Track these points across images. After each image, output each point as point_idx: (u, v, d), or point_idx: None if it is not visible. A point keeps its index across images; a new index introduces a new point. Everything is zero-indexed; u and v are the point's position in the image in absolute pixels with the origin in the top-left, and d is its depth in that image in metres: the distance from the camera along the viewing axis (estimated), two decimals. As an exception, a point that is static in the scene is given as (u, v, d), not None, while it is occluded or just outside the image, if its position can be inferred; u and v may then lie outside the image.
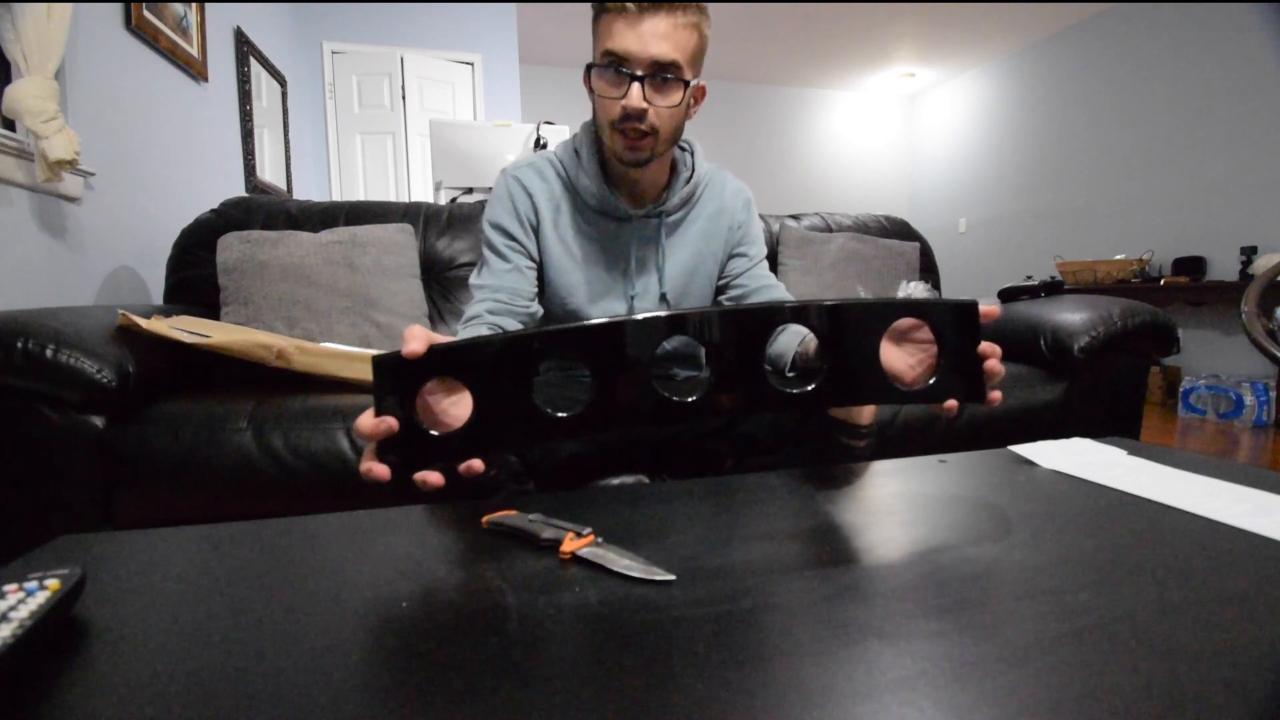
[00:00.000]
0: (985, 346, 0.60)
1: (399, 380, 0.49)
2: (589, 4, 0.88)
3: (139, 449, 1.09)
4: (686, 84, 0.85)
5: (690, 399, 0.54)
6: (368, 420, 0.49)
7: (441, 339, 0.51)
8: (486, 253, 0.97)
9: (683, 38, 0.83)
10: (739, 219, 1.04)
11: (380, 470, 0.49)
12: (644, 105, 0.83)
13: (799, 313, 0.57)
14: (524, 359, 0.50)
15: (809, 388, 0.57)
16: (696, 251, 1.01)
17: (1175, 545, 0.52)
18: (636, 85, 0.82)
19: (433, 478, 0.51)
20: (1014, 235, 5.16)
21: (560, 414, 0.52)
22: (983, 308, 0.60)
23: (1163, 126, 3.99)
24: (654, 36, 0.81)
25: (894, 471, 0.75)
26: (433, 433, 0.51)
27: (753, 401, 0.55)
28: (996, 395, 0.61)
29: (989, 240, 5.42)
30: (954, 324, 0.59)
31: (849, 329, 0.56)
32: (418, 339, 0.48)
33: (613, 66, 0.83)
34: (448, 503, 0.67)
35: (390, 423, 0.48)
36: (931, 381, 0.60)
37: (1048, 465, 0.74)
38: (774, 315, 0.57)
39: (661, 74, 0.83)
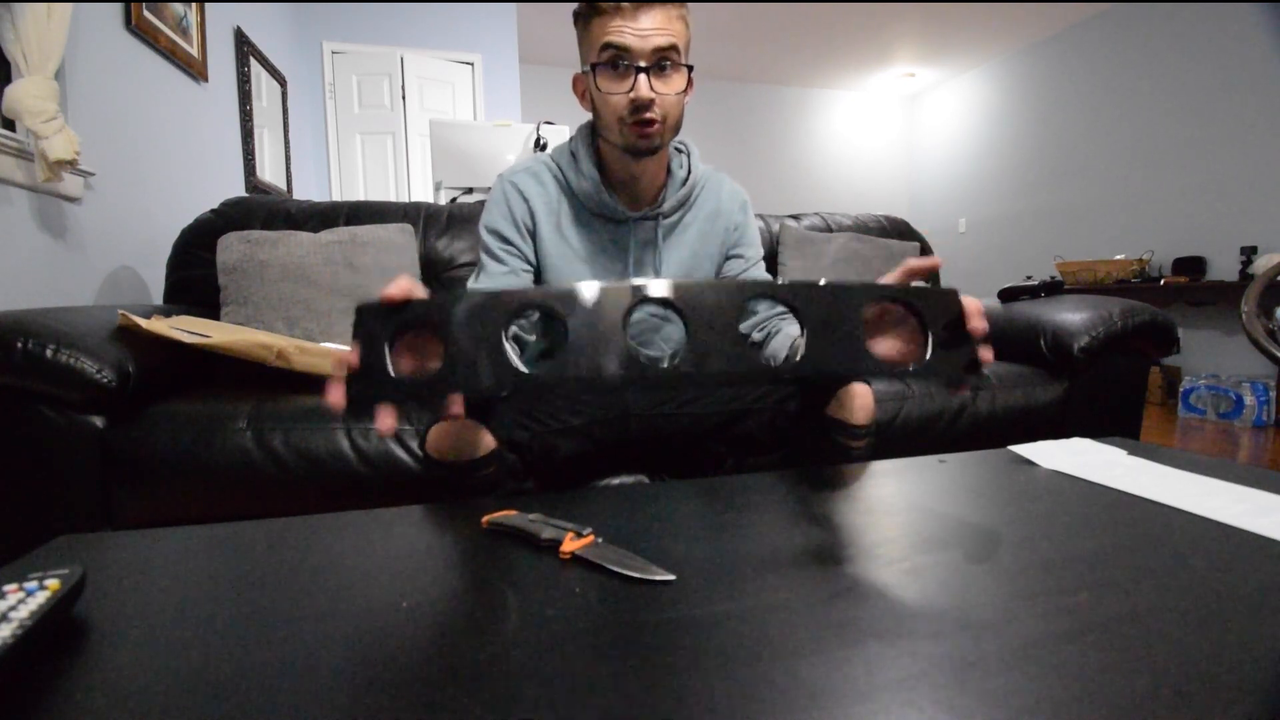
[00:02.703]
0: (975, 324, 0.58)
1: (375, 323, 0.50)
2: (575, 5, 0.89)
3: (139, 449, 1.09)
4: (687, 68, 0.88)
5: (664, 365, 0.53)
6: (341, 352, 0.50)
7: (424, 292, 0.51)
8: (483, 257, 0.97)
9: (677, 27, 0.87)
10: (735, 220, 1.04)
11: (334, 396, 0.49)
12: (652, 95, 0.85)
13: (774, 288, 0.57)
14: (498, 316, 0.51)
15: (792, 358, 0.55)
16: (693, 253, 1.01)
17: (1175, 545, 0.52)
18: (643, 76, 0.85)
19: (384, 421, 0.50)
20: (1014, 235, 5.16)
21: (525, 370, 0.51)
22: (966, 298, 0.58)
23: (1163, 126, 3.99)
24: (652, 29, 0.84)
25: (894, 471, 0.75)
26: (393, 375, 0.50)
27: (730, 370, 0.54)
28: (988, 356, 0.59)
29: (989, 240, 5.42)
30: (939, 313, 0.58)
31: (828, 306, 0.55)
32: (399, 287, 0.49)
33: (616, 62, 0.85)
34: (448, 503, 0.67)
35: (352, 358, 0.49)
36: (925, 357, 0.58)
37: (1048, 465, 0.74)
38: (749, 289, 0.56)
39: (663, 62, 0.86)
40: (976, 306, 0.58)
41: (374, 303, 0.50)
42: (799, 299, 0.55)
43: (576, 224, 0.97)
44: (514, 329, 0.88)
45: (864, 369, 0.57)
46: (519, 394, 0.57)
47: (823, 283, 0.55)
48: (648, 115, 0.86)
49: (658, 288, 0.53)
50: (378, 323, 0.50)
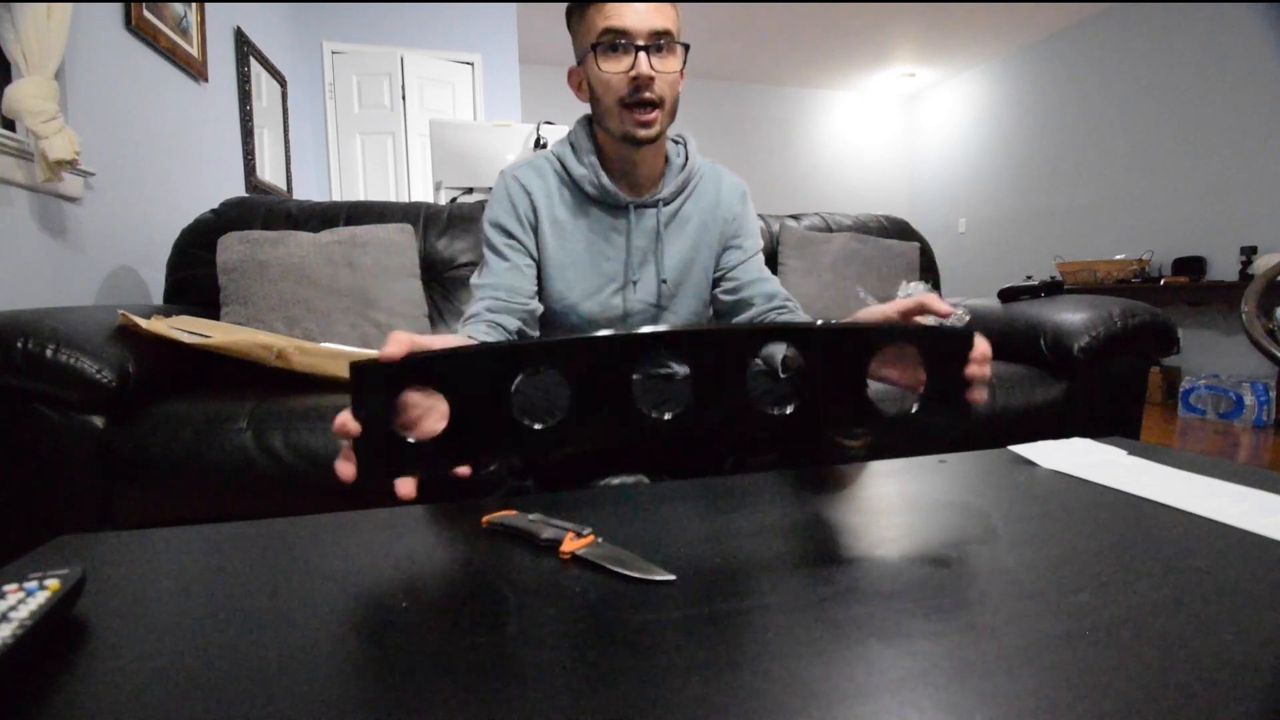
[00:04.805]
0: (973, 370, 0.56)
1: (375, 384, 0.48)
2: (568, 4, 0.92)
3: (139, 449, 1.09)
4: (684, 48, 0.91)
5: (669, 416, 0.52)
6: (341, 418, 0.48)
7: (426, 341, 0.50)
8: (486, 252, 0.98)
9: (669, 11, 0.90)
10: (734, 211, 1.05)
11: (345, 471, 0.48)
12: (653, 72, 0.87)
13: (784, 334, 0.56)
14: (502, 370, 0.49)
15: (789, 410, 0.54)
16: (694, 244, 1.02)
17: (1175, 545, 0.52)
18: (643, 55, 0.87)
19: (404, 488, 0.49)
20: (1014, 235, 5.16)
21: (536, 426, 0.50)
22: (979, 338, 0.57)
23: (1163, 126, 3.99)
24: (648, 11, 0.87)
25: (894, 471, 0.75)
26: (408, 440, 0.49)
27: (734, 420, 0.53)
28: (980, 397, 0.58)
29: (989, 240, 5.42)
30: (947, 351, 0.56)
31: (836, 354, 0.54)
32: (398, 344, 0.48)
33: (616, 43, 0.87)
34: (448, 503, 0.67)
35: (354, 426, 0.47)
36: (914, 409, 0.57)
37: (1048, 465, 0.74)
38: (758, 336, 0.55)
39: (661, 41, 0.88)
40: (985, 352, 0.57)
41: (370, 362, 0.47)
42: (810, 344, 0.54)
43: (576, 214, 0.98)
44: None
45: (866, 421, 0.56)
46: (524, 451, 0.56)
47: (834, 325, 0.54)
48: (647, 95, 0.88)
49: (661, 341, 0.51)
50: (375, 384, 0.48)
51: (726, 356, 0.52)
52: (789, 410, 0.55)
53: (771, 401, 0.90)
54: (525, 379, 0.50)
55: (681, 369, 1.08)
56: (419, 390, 0.55)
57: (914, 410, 0.57)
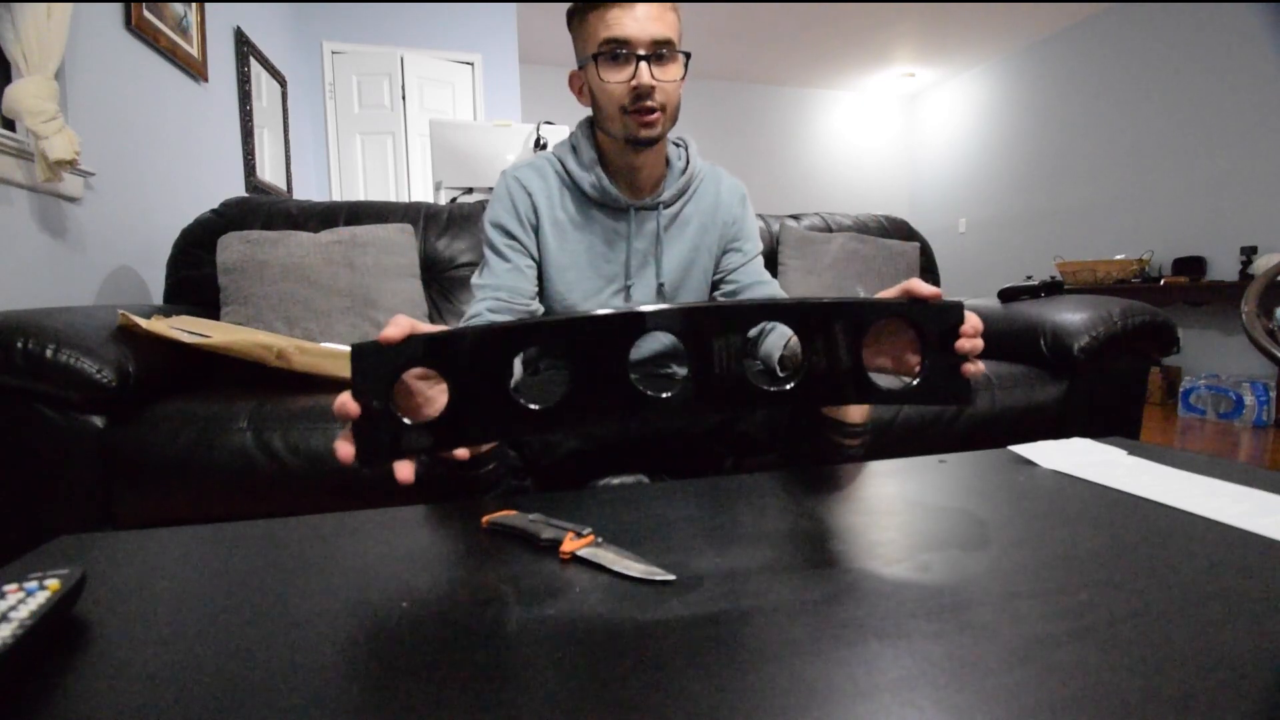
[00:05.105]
0: (963, 343, 0.57)
1: (375, 366, 0.48)
2: (569, 5, 0.91)
3: (139, 449, 1.09)
4: (684, 56, 0.91)
5: (667, 395, 0.53)
6: (342, 399, 0.48)
7: (427, 329, 0.50)
8: (487, 253, 0.98)
9: (670, 18, 0.89)
10: (734, 213, 1.05)
11: (344, 452, 0.48)
12: (653, 82, 0.87)
13: (778, 310, 0.57)
14: (501, 350, 0.50)
15: (788, 385, 0.56)
16: (693, 246, 1.02)
17: (1175, 545, 0.52)
18: (644, 64, 0.87)
19: (403, 471, 0.50)
20: (1014, 235, 5.16)
21: (535, 406, 0.51)
22: (969, 313, 0.58)
23: (1163, 126, 3.99)
24: (649, 19, 0.87)
25: (894, 472, 0.75)
26: (405, 421, 0.49)
27: (732, 398, 0.54)
28: (976, 369, 0.59)
29: (989, 240, 5.42)
30: (938, 326, 0.57)
31: (830, 328, 0.55)
32: (398, 326, 0.49)
33: (617, 52, 0.87)
34: (447, 503, 0.67)
35: (354, 408, 0.48)
36: (915, 383, 0.58)
37: (1048, 465, 0.74)
38: (753, 312, 0.56)
39: (662, 50, 0.88)
40: (976, 325, 0.58)
41: (370, 344, 0.48)
42: (802, 319, 0.55)
43: (577, 216, 0.98)
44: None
45: (866, 398, 0.57)
46: (524, 433, 0.56)
47: (826, 299, 0.55)
48: (648, 103, 0.88)
49: (659, 318, 0.52)
50: (376, 366, 0.48)
51: (722, 332, 0.53)
52: (788, 386, 0.56)
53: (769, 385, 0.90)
54: (543, 371, 0.51)
55: (681, 370, 1.09)
56: (422, 380, 0.56)
57: (914, 384, 0.58)
